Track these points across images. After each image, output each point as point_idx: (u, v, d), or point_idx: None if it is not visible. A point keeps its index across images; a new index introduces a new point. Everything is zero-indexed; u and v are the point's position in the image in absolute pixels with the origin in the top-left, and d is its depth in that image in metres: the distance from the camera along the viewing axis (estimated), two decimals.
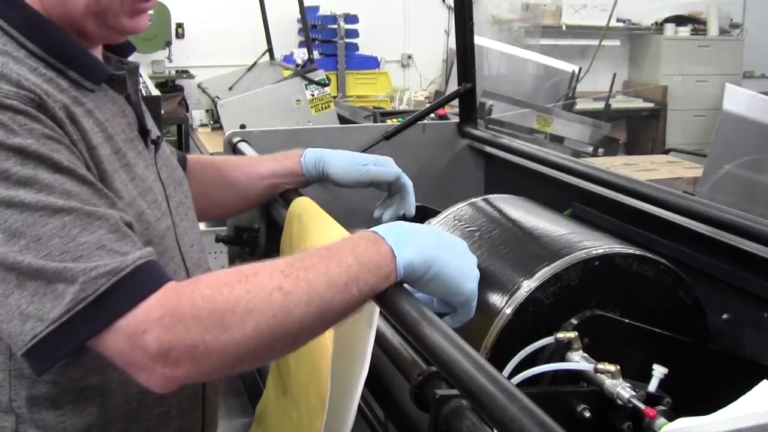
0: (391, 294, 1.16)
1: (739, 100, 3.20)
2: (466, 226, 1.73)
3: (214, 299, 1.03)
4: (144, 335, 1.01)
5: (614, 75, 6.75)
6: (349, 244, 1.14)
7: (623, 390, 1.27)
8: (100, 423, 1.25)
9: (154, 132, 1.42)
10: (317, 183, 1.84)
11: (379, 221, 1.87)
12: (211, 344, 1.02)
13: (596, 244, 1.50)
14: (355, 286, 1.11)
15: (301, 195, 1.73)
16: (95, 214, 1.07)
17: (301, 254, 1.14)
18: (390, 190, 1.86)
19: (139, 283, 1.04)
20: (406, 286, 1.19)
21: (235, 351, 1.04)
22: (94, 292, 1.01)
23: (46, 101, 1.12)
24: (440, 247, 1.21)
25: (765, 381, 1.17)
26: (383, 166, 1.82)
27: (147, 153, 1.36)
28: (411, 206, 1.87)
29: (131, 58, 1.46)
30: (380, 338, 1.27)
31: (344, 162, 1.81)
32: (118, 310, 1.02)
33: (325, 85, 4.93)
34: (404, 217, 1.86)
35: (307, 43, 5.63)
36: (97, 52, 1.33)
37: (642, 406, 1.25)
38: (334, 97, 5.51)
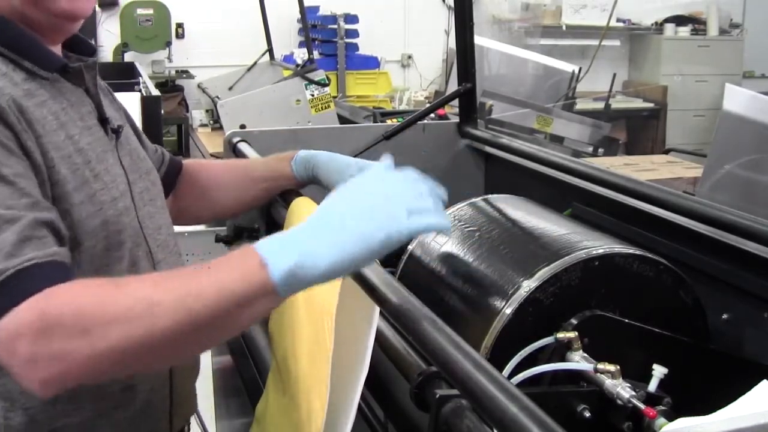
0: (391, 294, 1.16)
1: (739, 100, 3.20)
2: (466, 226, 1.73)
3: (82, 308, 1.02)
4: (16, 341, 1.01)
5: (614, 75, 6.75)
6: (223, 258, 1.11)
7: (623, 390, 1.27)
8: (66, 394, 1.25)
9: (115, 122, 1.44)
10: (310, 184, 1.83)
11: None
12: (76, 352, 1.01)
13: (596, 244, 1.50)
14: (226, 298, 1.05)
15: (300, 195, 1.73)
16: (3, 217, 1.08)
17: (177, 269, 1.14)
18: None
19: (18, 287, 1.04)
20: None
21: (100, 360, 1.03)
22: None
23: None
24: (330, 234, 1.08)
25: (765, 381, 1.17)
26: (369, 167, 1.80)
27: (107, 139, 1.39)
28: None
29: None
30: (380, 338, 1.27)
31: (334, 167, 1.78)
32: None
33: (325, 85, 4.93)
34: None
35: (307, 43, 5.63)
36: (55, 50, 1.36)
37: (642, 406, 1.25)
38: (334, 97, 5.51)
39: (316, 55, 6.44)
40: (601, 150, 5.77)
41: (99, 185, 1.29)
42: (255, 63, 6.03)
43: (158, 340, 1.04)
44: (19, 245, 1.06)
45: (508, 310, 1.43)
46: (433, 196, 1.16)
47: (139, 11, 6.83)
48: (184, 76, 7.14)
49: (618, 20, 8.26)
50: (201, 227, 3.52)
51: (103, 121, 1.40)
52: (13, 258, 1.05)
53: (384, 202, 1.11)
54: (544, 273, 1.44)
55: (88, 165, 1.29)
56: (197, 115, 6.23)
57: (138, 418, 1.38)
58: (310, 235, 1.08)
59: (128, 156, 1.45)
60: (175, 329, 1.04)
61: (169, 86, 6.89)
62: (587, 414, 1.31)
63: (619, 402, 1.27)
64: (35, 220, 1.10)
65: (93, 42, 1.47)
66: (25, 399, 1.25)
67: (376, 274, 1.22)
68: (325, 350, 1.25)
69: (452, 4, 2.58)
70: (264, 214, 2.03)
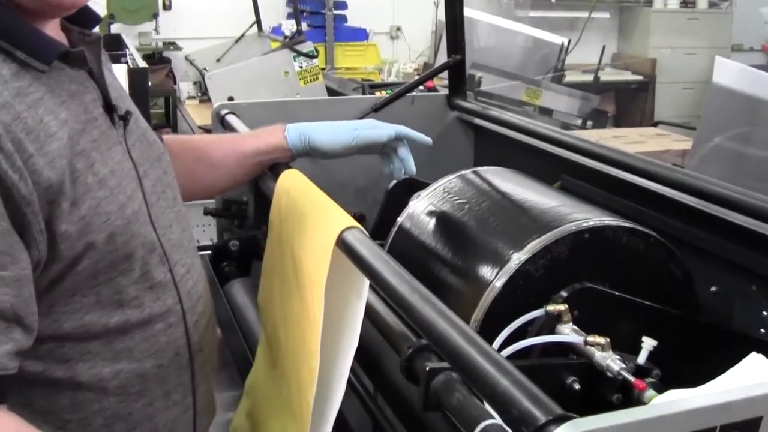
0: (381, 266, 1.16)
1: (728, 73, 3.21)
2: (456, 198, 1.73)
3: None
4: None
5: (603, 47, 6.73)
6: None
7: (613, 362, 1.28)
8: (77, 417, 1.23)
9: (123, 107, 1.34)
10: (304, 156, 1.82)
11: (391, 177, 1.86)
12: None
13: (586, 216, 1.50)
14: None
15: (290, 168, 1.72)
16: None
17: None
18: (383, 150, 1.84)
19: None
20: None
21: None
22: None
23: None
24: None
25: (753, 353, 1.18)
26: (375, 128, 1.80)
27: (113, 132, 1.28)
28: (411, 165, 1.83)
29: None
30: (370, 311, 1.26)
31: (330, 131, 1.78)
32: None
33: (313, 57, 4.90)
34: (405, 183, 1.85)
35: (295, 15, 5.60)
36: (51, 28, 1.23)
37: (631, 378, 1.25)
38: (323, 69, 5.48)
39: (304, 26, 6.38)
40: (590, 122, 5.77)
41: (103, 192, 1.19)
42: (243, 35, 6.00)
43: None
44: None
45: (498, 283, 1.42)
46: None
47: None
48: (172, 48, 7.10)
49: None
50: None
51: (110, 108, 1.29)
52: None
53: None
54: (534, 245, 1.44)
55: (91, 169, 1.18)
56: (185, 88, 6.19)
57: None
58: None
59: (137, 144, 1.35)
60: None
61: (157, 58, 6.86)
62: (577, 386, 1.31)
63: (609, 374, 1.27)
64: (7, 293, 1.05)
65: None
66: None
67: (365, 246, 1.21)
68: (314, 323, 1.25)
69: None
70: (252, 187, 2.02)
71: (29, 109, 1.11)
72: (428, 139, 1.84)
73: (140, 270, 1.26)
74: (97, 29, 1.37)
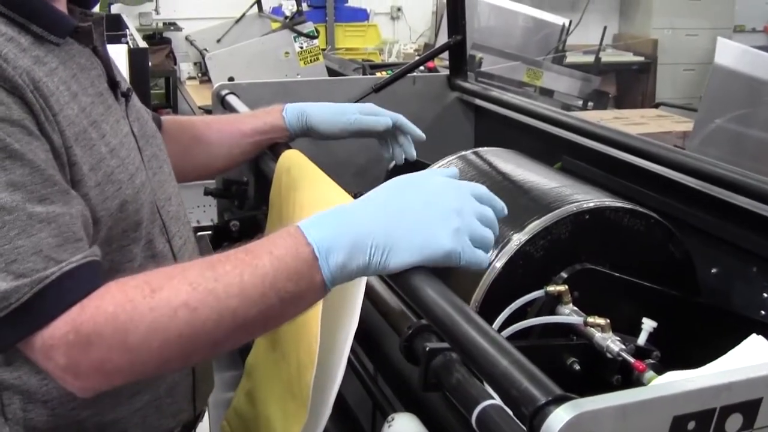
0: None
1: (731, 54, 3.19)
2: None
3: (116, 317, 0.99)
4: (52, 351, 0.99)
5: (605, 28, 6.69)
6: (267, 246, 1.04)
7: (613, 343, 1.28)
8: None
9: (124, 84, 1.37)
10: (302, 137, 1.82)
11: (390, 160, 1.87)
12: (117, 361, 1.00)
13: (586, 197, 1.50)
14: (274, 295, 1.02)
15: (290, 148, 1.72)
16: (37, 216, 1.02)
17: (217, 258, 1.05)
18: (381, 135, 1.85)
19: (56, 296, 1.00)
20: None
21: (143, 367, 1.02)
22: (17, 300, 0.98)
23: (5, 70, 1.05)
24: (389, 224, 1.05)
25: (754, 335, 1.18)
26: (374, 114, 1.81)
27: (117, 106, 1.31)
28: (412, 150, 1.85)
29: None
30: (370, 291, 1.26)
31: (328, 113, 1.79)
32: (31, 325, 0.99)
33: (313, 37, 4.89)
34: (407, 162, 1.85)
35: None
36: (61, 5, 1.25)
37: (631, 359, 1.25)
38: (323, 50, 5.46)
39: (304, 7, 6.37)
40: (590, 103, 5.75)
41: (116, 162, 1.21)
42: (243, 15, 5.97)
43: (202, 344, 1.02)
44: (57, 249, 1.02)
45: (499, 264, 1.42)
46: (493, 225, 1.12)
47: None
48: (172, 28, 7.08)
49: None
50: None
51: (114, 85, 1.32)
52: (52, 263, 1.01)
53: (454, 216, 1.07)
54: (534, 226, 1.44)
55: (104, 139, 1.20)
56: (185, 68, 6.17)
57: (162, 402, 1.36)
58: (369, 227, 1.04)
59: (137, 121, 1.37)
60: (219, 333, 1.02)
61: (157, 39, 6.84)
62: (577, 367, 1.31)
63: (609, 355, 1.28)
64: (70, 217, 1.06)
65: None
66: (44, 392, 1.21)
67: None
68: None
69: None
70: (253, 167, 2.02)
71: (47, 76, 1.13)
72: (422, 136, 1.85)
73: (146, 239, 1.28)
74: (97, 8, 1.39)
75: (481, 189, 1.14)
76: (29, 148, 1.04)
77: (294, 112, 1.78)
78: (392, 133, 1.83)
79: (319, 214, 1.07)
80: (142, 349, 1.00)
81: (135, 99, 1.42)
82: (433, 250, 1.05)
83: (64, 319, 0.99)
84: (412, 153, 1.83)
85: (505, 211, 1.17)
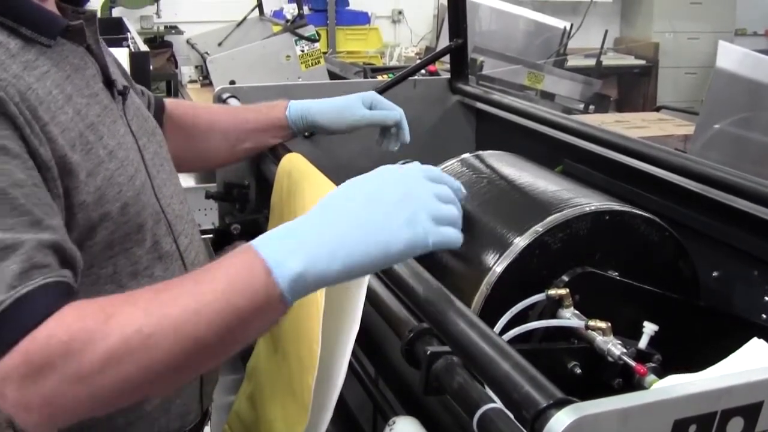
0: None
1: (732, 57, 3.20)
2: None
3: (69, 347, 0.92)
4: (4, 385, 0.93)
5: (606, 31, 6.69)
6: (222, 265, 1.00)
7: (614, 347, 1.28)
8: None
9: (120, 82, 1.35)
10: (304, 137, 1.82)
11: (384, 148, 1.88)
12: (68, 394, 0.93)
13: (588, 201, 1.50)
14: (231, 314, 0.97)
15: (290, 151, 1.72)
16: (3, 242, 0.97)
17: (173, 281, 1.01)
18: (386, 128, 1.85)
19: (9, 325, 0.93)
20: None
21: (94, 401, 0.95)
22: None
23: None
24: (338, 227, 1.01)
25: (755, 338, 1.17)
26: (381, 108, 1.81)
27: (114, 106, 1.29)
28: (407, 135, 1.84)
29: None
30: (371, 294, 1.26)
31: (333, 111, 1.79)
32: None
33: (315, 40, 4.89)
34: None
35: None
36: (50, 5, 1.24)
37: (632, 363, 1.25)
38: (324, 53, 5.47)
39: (306, 10, 6.37)
40: (592, 107, 5.74)
41: (114, 164, 1.19)
42: (244, 19, 5.97)
43: (158, 372, 0.96)
44: (21, 276, 0.96)
45: (499, 267, 1.42)
46: (454, 202, 1.07)
47: None
48: (173, 32, 7.07)
49: None
50: (191, 184, 3.51)
51: (109, 83, 1.30)
52: (11, 290, 0.95)
53: (405, 202, 1.03)
54: (535, 230, 1.44)
55: (101, 141, 1.18)
56: (186, 71, 6.16)
57: (172, 404, 1.35)
58: (318, 234, 1.00)
59: (135, 118, 1.36)
60: (179, 358, 0.96)
61: (158, 42, 6.83)
62: (578, 370, 1.31)
63: (610, 359, 1.28)
64: (39, 244, 1.00)
65: None
66: None
67: None
68: (316, 306, 1.25)
69: None
70: (254, 170, 2.02)
71: (38, 81, 1.11)
72: (407, 140, 1.84)
73: (151, 240, 1.27)
74: (90, 5, 1.38)
75: (433, 170, 1.10)
76: (5, 171, 1.00)
77: (297, 109, 1.79)
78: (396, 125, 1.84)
79: (270, 231, 1.04)
80: (94, 383, 0.93)
81: (133, 96, 1.41)
82: (389, 243, 1.00)
83: (18, 349, 0.92)
84: (406, 137, 1.83)
85: (463, 189, 1.15)
